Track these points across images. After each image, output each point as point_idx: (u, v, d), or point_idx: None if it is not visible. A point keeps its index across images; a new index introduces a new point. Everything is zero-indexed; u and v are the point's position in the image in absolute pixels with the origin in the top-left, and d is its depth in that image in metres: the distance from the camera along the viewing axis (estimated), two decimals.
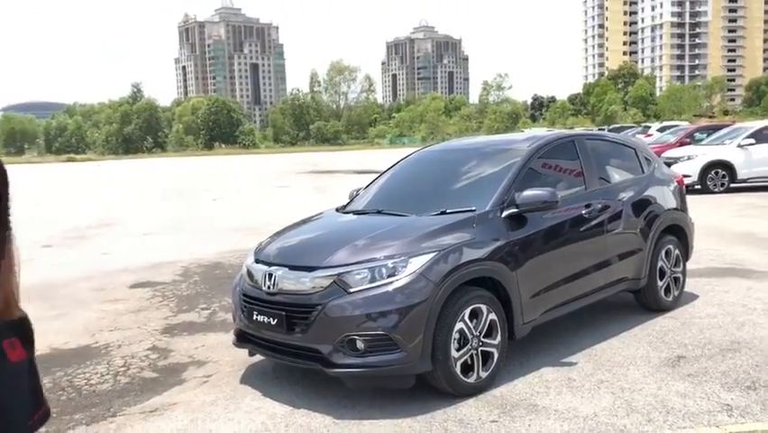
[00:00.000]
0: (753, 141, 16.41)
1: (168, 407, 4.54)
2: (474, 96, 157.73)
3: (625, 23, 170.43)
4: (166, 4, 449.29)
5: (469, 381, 4.42)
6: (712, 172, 16.36)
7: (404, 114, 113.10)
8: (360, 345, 4.19)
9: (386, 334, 4.16)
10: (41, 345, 5.92)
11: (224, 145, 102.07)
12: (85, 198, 23.84)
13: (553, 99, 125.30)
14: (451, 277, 4.33)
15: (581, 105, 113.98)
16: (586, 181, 5.60)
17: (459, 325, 4.35)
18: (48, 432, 4.16)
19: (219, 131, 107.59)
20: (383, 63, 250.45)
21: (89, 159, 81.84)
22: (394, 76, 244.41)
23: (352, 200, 6.00)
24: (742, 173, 16.26)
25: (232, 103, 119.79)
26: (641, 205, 5.98)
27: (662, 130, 29.82)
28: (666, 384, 4.50)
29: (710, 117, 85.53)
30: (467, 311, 4.40)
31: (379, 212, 5.28)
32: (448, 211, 4.86)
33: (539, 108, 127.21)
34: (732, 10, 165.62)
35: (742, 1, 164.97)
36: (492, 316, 4.55)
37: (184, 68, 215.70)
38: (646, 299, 6.10)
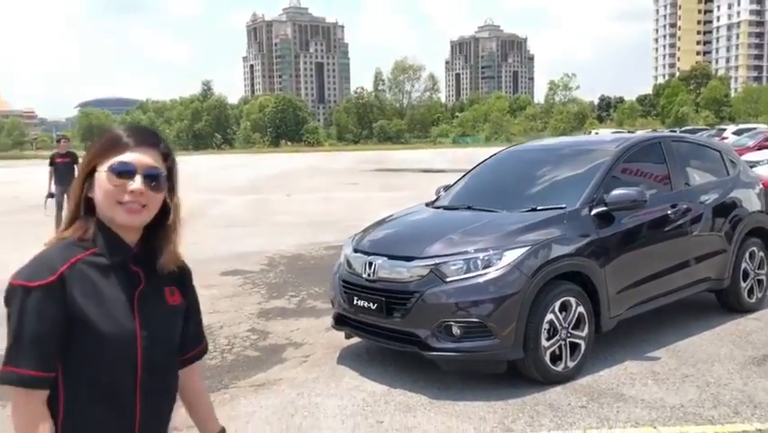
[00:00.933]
0: None
1: (274, 382, 4.94)
2: (539, 96, 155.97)
3: (698, 23, 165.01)
4: (235, 3, 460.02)
5: (557, 369, 4.66)
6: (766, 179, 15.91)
7: (467, 113, 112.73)
8: (455, 330, 4.48)
9: (481, 321, 4.45)
10: None
11: (289, 143, 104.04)
12: None
13: (621, 100, 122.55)
14: (543, 270, 4.58)
15: (650, 107, 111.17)
16: (672, 182, 5.74)
17: (549, 316, 4.59)
18: None
19: (285, 128, 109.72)
20: (447, 62, 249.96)
21: None
22: (458, 75, 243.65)
23: (439, 197, 6.30)
24: None
25: (297, 101, 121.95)
26: (726, 207, 6.07)
27: (738, 133, 28.99)
28: (753, 381, 4.63)
29: None
30: (557, 304, 4.64)
31: (469, 208, 5.56)
32: (538, 208, 5.10)
33: (606, 109, 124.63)
34: None
35: None
36: (581, 309, 4.77)
37: (252, 66, 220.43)
38: (729, 299, 6.18)
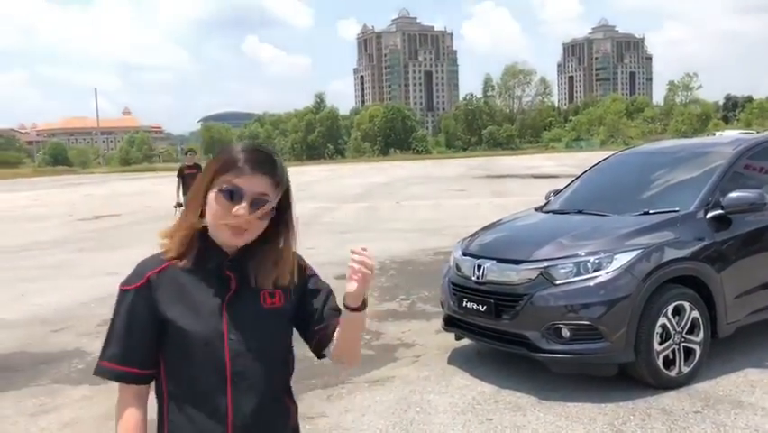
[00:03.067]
0: None
1: (387, 379, 5.18)
2: (658, 97, 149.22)
3: None
4: (346, 17, 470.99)
5: (670, 374, 4.60)
6: None
7: (581, 117, 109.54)
8: (565, 333, 4.54)
9: (591, 324, 4.48)
10: None
11: (398, 151, 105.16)
12: None
13: (749, 99, 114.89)
14: (655, 274, 4.56)
15: None
16: None
17: (662, 320, 4.55)
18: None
19: (394, 137, 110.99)
20: (559, 65, 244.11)
21: None
22: (570, 78, 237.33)
23: (548, 201, 6.34)
24: None
25: (406, 110, 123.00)
26: None
27: None
28: None
29: None
30: (670, 308, 4.59)
31: (579, 212, 5.58)
32: (651, 211, 5.06)
33: (732, 109, 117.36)
34: None
35: None
36: (695, 313, 4.70)
37: (362, 77, 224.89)
38: None
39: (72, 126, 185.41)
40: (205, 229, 1.64)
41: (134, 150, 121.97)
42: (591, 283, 4.54)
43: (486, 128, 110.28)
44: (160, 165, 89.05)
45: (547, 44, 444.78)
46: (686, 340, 4.67)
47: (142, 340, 1.61)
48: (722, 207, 4.93)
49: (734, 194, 4.93)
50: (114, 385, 1.66)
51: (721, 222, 4.94)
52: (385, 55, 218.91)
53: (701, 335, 4.72)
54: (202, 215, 1.63)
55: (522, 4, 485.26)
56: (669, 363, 4.61)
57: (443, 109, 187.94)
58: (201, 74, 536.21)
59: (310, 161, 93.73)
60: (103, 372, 1.63)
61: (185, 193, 13.75)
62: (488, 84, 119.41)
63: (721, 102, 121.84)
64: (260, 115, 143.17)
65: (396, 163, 69.25)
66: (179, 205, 13.79)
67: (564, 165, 38.06)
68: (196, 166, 14.19)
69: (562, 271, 4.65)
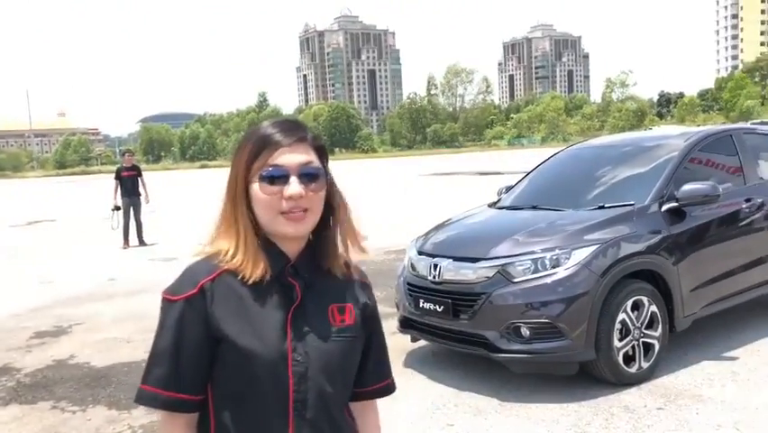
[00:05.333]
0: None
1: None
2: (596, 95, 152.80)
3: (762, 12, 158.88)
4: (287, 14, 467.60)
5: (630, 370, 4.53)
6: None
7: (522, 114, 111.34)
8: (525, 331, 4.41)
9: (550, 322, 4.37)
10: None
11: (343, 150, 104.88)
12: None
13: (681, 95, 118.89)
14: (613, 269, 4.48)
15: (713, 101, 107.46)
16: (745, 176, 5.53)
17: (621, 316, 4.48)
18: None
19: (339, 136, 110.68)
20: (500, 64, 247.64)
21: (221, 165, 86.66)
22: (511, 76, 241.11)
23: (501, 197, 6.23)
24: None
25: (351, 109, 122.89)
26: None
27: None
28: None
29: None
30: (629, 303, 4.52)
31: (534, 207, 5.48)
32: (606, 206, 4.99)
33: (666, 105, 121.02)
34: None
35: None
36: (653, 308, 4.64)
37: (305, 76, 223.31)
38: None
39: (2, 129, 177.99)
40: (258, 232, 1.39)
41: (70, 152, 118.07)
42: (550, 280, 4.43)
43: (430, 126, 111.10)
44: (98, 168, 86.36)
45: (488, 44, 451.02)
46: (645, 335, 4.61)
47: (195, 360, 1.33)
48: (677, 200, 4.90)
49: (688, 186, 4.91)
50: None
51: (676, 214, 4.91)
52: (327, 54, 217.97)
53: (660, 329, 4.67)
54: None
55: (464, 5, 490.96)
56: (629, 359, 4.55)
57: (388, 108, 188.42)
58: (139, 74, 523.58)
59: None
60: (147, 398, 1.34)
61: (123, 195, 13.24)
62: (431, 83, 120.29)
63: (655, 99, 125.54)
64: (200, 115, 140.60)
65: (342, 162, 68.94)
66: (117, 208, 13.27)
67: (516, 162, 38.51)
68: (135, 168, 13.66)
69: (520, 268, 4.52)
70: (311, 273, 1.40)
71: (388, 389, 1.57)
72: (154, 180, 14.17)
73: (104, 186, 20.39)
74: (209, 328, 1.33)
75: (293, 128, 1.39)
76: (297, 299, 1.37)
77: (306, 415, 1.35)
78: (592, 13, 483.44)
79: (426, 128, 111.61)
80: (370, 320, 1.49)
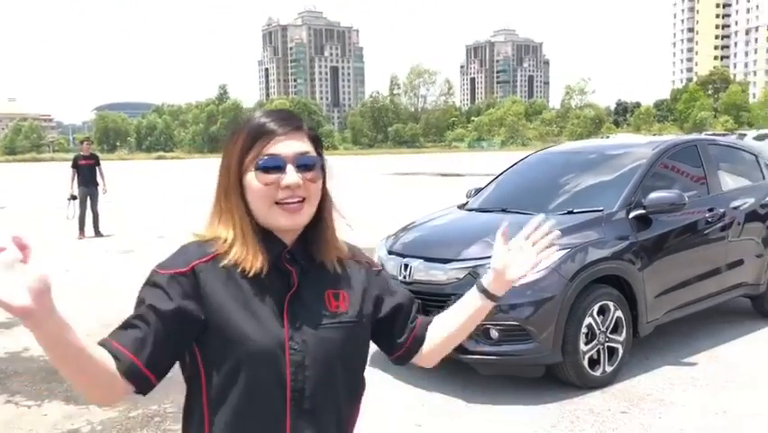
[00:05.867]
0: None
1: None
2: (555, 101, 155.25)
3: (717, 27, 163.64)
4: (250, 8, 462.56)
5: (595, 374, 4.60)
6: None
7: (483, 117, 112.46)
8: (494, 333, 4.43)
9: (519, 324, 4.39)
10: None
11: None
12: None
13: (637, 105, 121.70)
14: (582, 274, 4.53)
15: (668, 112, 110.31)
16: (708, 186, 5.66)
17: (588, 320, 4.54)
18: None
19: None
20: (462, 66, 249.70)
21: (178, 157, 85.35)
22: (473, 79, 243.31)
23: (469, 199, 6.25)
24: None
25: (313, 105, 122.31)
26: (762, 211, 5.98)
27: (760, 138, 28.67)
28: None
29: None
30: (595, 307, 4.58)
31: (503, 210, 5.51)
32: (575, 211, 5.04)
33: (623, 114, 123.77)
34: None
35: None
36: (619, 313, 4.71)
37: (266, 70, 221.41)
38: (764, 305, 6.09)
39: None
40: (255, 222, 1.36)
41: (21, 138, 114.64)
42: (519, 283, 4.44)
43: (392, 126, 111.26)
44: (51, 155, 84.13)
45: (452, 46, 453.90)
46: (610, 340, 4.68)
47: (162, 334, 1.25)
48: (644, 207, 4.98)
49: (655, 194, 5.00)
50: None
51: (643, 222, 4.99)
52: (290, 48, 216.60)
53: (624, 334, 4.75)
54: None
55: (429, 6, 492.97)
56: (593, 363, 4.61)
57: (350, 106, 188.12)
58: (95, 61, 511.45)
59: (213, 154, 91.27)
60: (108, 346, 1.22)
61: (80, 185, 12.89)
62: (393, 82, 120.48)
63: (613, 107, 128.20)
64: (158, 106, 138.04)
65: None
66: (74, 197, 12.90)
67: (480, 165, 38.84)
68: (93, 156, 13.31)
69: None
70: (307, 260, 1.38)
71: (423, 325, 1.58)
72: (110, 170, 13.79)
73: (57, 173, 19.84)
74: (195, 312, 1.28)
75: (287, 118, 1.37)
76: (294, 286, 1.34)
77: (304, 405, 1.31)
78: (554, 20, 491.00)
79: (388, 127, 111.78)
80: (378, 300, 1.48)
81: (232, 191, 1.34)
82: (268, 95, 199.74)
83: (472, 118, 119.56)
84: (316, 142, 1.40)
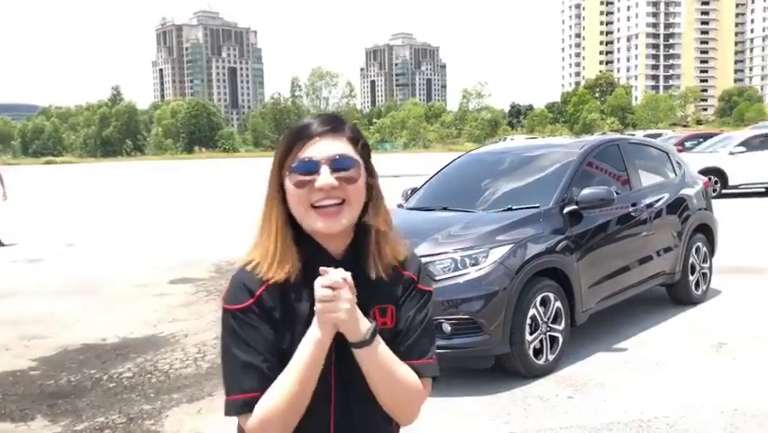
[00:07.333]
0: (743, 149, 17.12)
1: None
2: (452, 104, 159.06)
3: (601, 33, 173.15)
4: (143, 7, 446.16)
5: (539, 362, 4.82)
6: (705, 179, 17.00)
7: (385, 120, 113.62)
8: (446, 327, 4.56)
9: (471, 318, 4.55)
10: (104, 335, 6.20)
11: (204, 149, 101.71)
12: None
13: (530, 107, 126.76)
14: (525, 267, 4.75)
15: (559, 114, 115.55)
16: (631, 182, 6.05)
17: (532, 311, 4.75)
18: (153, 408, 4.46)
19: (199, 134, 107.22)
20: (362, 69, 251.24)
21: (69, 161, 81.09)
22: (372, 82, 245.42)
23: (407, 198, 6.37)
24: (733, 180, 16.91)
25: (211, 106, 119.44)
26: (677, 205, 6.45)
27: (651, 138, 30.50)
28: (716, 364, 4.94)
29: (684, 126, 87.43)
30: (538, 299, 4.81)
31: (444, 208, 5.66)
32: (514, 207, 5.26)
33: (516, 116, 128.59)
34: (704, 22, 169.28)
35: (714, 13, 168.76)
36: (558, 304, 4.97)
37: (161, 71, 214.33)
38: (679, 292, 6.56)
39: None
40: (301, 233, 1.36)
41: None
42: (469, 278, 4.61)
43: None
44: None
45: (352, 48, 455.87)
46: (551, 329, 4.92)
47: (261, 361, 1.30)
48: (576, 203, 5.27)
49: (587, 191, 5.29)
50: None
51: (575, 217, 5.27)
52: (186, 49, 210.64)
53: (563, 323, 5.01)
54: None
55: (328, 7, 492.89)
56: (537, 352, 4.83)
57: (249, 107, 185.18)
58: None
59: (106, 158, 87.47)
60: (240, 406, 1.31)
61: None
62: (295, 84, 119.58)
63: (507, 110, 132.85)
64: (45, 108, 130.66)
65: (204, 162, 66.81)
66: None
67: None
68: None
69: (440, 267, 4.67)
70: (357, 271, 1.33)
71: (427, 368, 1.44)
72: None
73: None
74: (273, 337, 1.32)
75: (327, 120, 1.37)
76: None
77: (346, 421, 1.37)
78: (450, 25, 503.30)
79: None
80: (406, 307, 1.42)
81: (273, 198, 1.36)
82: (163, 96, 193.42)
83: (374, 120, 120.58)
84: (362, 145, 1.39)
